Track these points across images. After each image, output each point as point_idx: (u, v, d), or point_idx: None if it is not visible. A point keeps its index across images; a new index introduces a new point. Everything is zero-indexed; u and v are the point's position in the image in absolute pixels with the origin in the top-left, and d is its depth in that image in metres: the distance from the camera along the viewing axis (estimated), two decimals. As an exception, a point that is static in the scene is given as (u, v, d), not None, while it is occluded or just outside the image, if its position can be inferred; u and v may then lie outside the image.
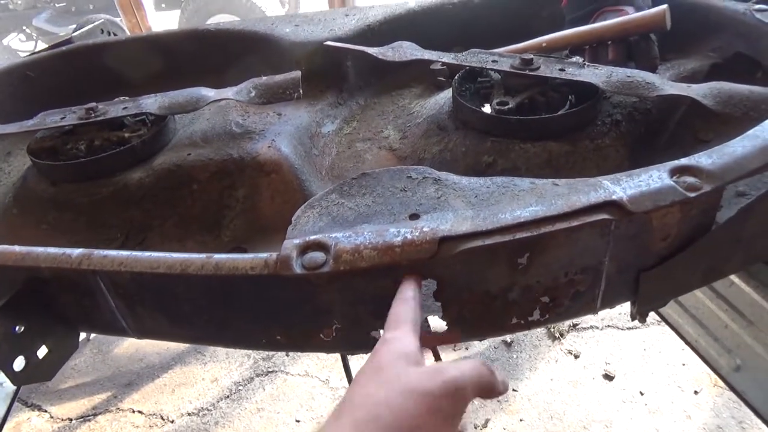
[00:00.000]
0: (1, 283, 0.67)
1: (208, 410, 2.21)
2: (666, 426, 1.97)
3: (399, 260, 0.56)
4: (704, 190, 0.59)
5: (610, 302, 0.69)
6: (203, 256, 0.60)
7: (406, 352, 0.48)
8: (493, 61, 0.98)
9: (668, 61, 1.08)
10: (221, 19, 4.92)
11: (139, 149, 0.99)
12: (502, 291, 0.62)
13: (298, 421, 2.11)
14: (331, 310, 0.62)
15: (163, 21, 5.69)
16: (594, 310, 0.68)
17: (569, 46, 1.08)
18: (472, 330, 0.66)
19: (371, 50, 1.06)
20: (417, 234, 0.57)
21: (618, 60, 1.03)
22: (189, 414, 2.20)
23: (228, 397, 2.26)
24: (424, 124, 1.04)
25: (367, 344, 0.66)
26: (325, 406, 2.16)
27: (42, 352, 0.70)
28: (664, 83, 0.88)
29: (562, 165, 0.89)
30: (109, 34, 1.56)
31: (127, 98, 1.09)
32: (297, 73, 1.04)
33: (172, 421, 2.17)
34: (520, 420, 2.05)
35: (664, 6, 0.99)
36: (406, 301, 0.54)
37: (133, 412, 2.23)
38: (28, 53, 1.43)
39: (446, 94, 1.08)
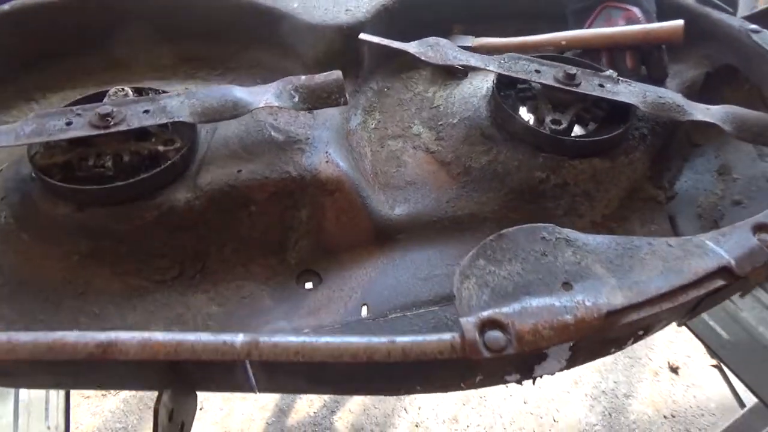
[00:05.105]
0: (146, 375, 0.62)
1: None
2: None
3: (573, 338, 0.63)
4: (785, 248, 0.72)
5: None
6: (385, 340, 0.61)
7: None
8: (536, 71, 1.01)
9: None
10: None
11: (180, 165, 0.89)
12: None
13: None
14: (478, 369, 0.68)
15: None
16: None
17: (588, 46, 1.14)
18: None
19: (413, 49, 1.03)
20: (584, 310, 0.63)
21: (635, 69, 1.11)
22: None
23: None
24: (461, 128, 1.05)
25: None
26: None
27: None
28: (690, 106, 0.98)
29: (603, 179, 0.99)
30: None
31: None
32: (338, 74, 0.97)
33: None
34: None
35: (681, 21, 1.07)
36: None
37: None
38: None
39: (475, 92, 1.10)
